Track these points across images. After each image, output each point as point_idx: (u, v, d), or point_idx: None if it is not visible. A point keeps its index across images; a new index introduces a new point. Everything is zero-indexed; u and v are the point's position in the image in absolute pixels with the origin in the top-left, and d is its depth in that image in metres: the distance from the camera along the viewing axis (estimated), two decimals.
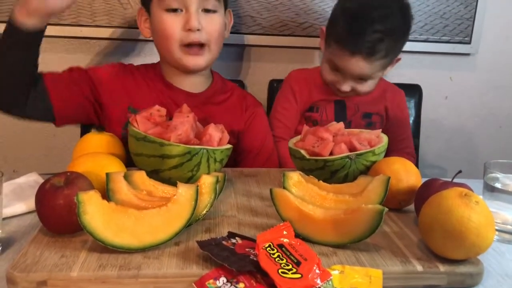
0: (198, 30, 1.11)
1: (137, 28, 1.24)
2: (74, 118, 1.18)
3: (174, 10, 1.11)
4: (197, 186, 0.72)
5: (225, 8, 1.21)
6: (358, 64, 1.23)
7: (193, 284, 0.61)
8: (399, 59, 1.33)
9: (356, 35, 1.20)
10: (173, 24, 1.11)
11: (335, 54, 1.26)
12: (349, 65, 1.24)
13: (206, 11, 1.13)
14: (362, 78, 1.28)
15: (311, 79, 1.38)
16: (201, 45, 1.14)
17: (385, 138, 0.96)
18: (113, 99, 1.16)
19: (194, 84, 1.23)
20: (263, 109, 1.35)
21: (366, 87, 1.31)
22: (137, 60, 1.48)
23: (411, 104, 1.52)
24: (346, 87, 1.29)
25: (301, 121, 1.37)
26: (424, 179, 0.85)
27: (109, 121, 1.16)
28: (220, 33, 1.18)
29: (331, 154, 0.90)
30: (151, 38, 1.21)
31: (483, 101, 1.67)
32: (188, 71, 1.19)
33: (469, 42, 1.56)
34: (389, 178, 0.79)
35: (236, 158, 1.27)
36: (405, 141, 1.42)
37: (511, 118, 1.69)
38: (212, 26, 1.14)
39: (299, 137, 0.99)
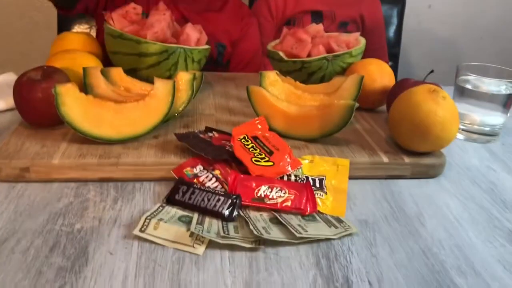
0: None
1: None
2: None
3: None
4: (174, 81, 0.73)
5: None
6: None
7: (171, 171, 0.64)
8: None
9: None
10: None
11: None
12: None
13: None
14: None
15: None
16: None
17: (362, 41, 0.96)
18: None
19: None
20: (256, 19, 1.34)
21: None
22: None
23: (394, 12, 1.50)
24: None
25: (276, 36, 1.37)
26: None
27: None
28: None
29: (309, 55, 0.91)
30: None
31: (466, 10, 1.66)
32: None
33: None
34: (362, 77, 0.81)
35: (229, 69, 1.28)
36: (380, 50, 1.44)
37: (492, 28, 1.69)
38: None
39: (278, 40, 0.99)
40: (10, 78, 0.93)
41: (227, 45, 1.24)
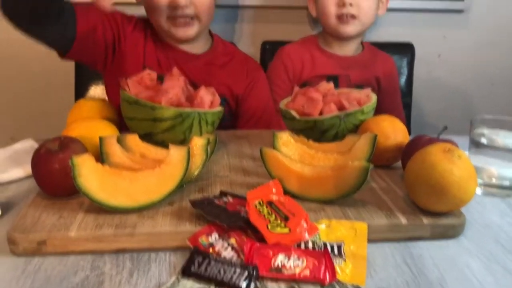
0: (185, 6, 1.12)
1: None
2: (84, 55, 1.14)
3: None
4: (189, 147, 0.74)
5: None
6: None
7: (186, 240, 0.63)
8: None
9: None
10: (159, 0, 1.12)
11: None
12: None
13: None
14: None
15: (303, 54, 1.39)
16: (190, 17, 1.15)
17: (374, 97, 0.97)
18: (131, 54, 1.17)
19: (194, 46, 1.24)
20: (264, 73, 1.36)
21: (366, 1, 1.32)
22: None
23: (404, 63, 1.52)
24: None
25: None
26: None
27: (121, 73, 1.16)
28: (210, 4, 1.18)
29: (321, 114, 0.92)
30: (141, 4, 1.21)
31: (476, 58, 1.67)
32: (179, 42, 1.20)
33: None
34: (376, 136, 0.81)
35: (236, 124, 1.29)
36: (395, 110, 1.44)
37: (503, 75, 1.69)
38: (201, 1, 1.14)
39: (289, 98, 1.00)
40: (28, 144, 0.96)
41: (229, 99, 1.26)
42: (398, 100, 1.48)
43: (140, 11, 1.20)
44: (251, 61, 1.35)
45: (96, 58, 1.16)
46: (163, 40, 1.22)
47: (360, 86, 1.36)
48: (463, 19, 1.62)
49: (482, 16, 1.62)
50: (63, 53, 1.09)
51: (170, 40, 1.22)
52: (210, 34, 1.30)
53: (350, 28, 1.33)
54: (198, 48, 1.25)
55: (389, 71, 1.44)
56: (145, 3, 1.16)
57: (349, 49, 1.40)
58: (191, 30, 1.17)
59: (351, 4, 1.30)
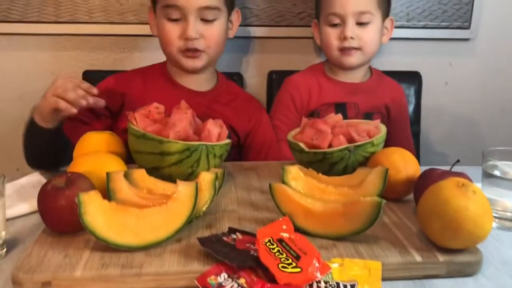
0: (196, 38, 1.16)
1: (134, 23, 1.26)
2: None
3: (175, 20, 1.16)
4: (197, 183, 0.73)
5: (231, 9, 1.26)
6: None
7: (195, 280, 0.61)
8: (392, 20, 1.37)
9: None
10: (171, 32, 1.17)
11: (329, 2, 1.29)
12: (344, 3, 1.26)
13: (206, 20, 1.17)
14: (361, 22, 1.27)
15: (310, 83, 1.37)
16: (199, 50, 1.19)
17: (383, 128, 0.96)
18: (135, 102, 1.18)
19: (199, 83, 1.26)
20: (266, 113, 1.37)
21: (368, 33, 1.29)
22: (134, 55, 1.49)
23: (411, 91, 1.52)
24: (348, 31, 1.27)
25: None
26: (424, 167, 0.86)
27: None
28: (219, 39, 1.22)
29: (330, 146, 0.91)
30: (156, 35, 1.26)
31: (484, 85, 1.66)
32: (188, 72, 1.23)
33: (468, 27, 1.55)
34: (387, 170, 0.80)
35: (241, 158, 1.30)
36: (405, 140, 1.42)
37: None
38: (210, 35, 1.19)
39: (298, 129, 1.00)
40: (34, 178, 0.95)
41: (233, 135, 1.26)
42: (408, 128, 1.45)
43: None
44: (254, 101, 1.37)
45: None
46: (168, 79, 1.26)
47: (369, 113, 1.35)
48: (470, 46, 1.62)
49: (488, 43, 1.62)
50: None
51: (177, 76, 1.26)
52: (216, 72, 1.32)
53: (353, 60, 1.31)
54: (203, 84, 1.27)
55: (399, 98, 1.42)
56: (160, 37, 1.22)
57: (356, 76, 1.38)
58: (199, 62, 1.20)
59: (352, 38, 1.28)
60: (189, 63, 1.20)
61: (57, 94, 0.96)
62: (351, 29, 1.27)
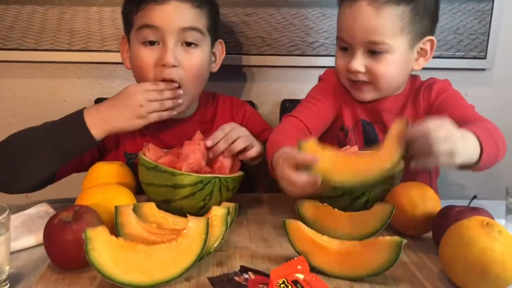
0: (173, 66, 1.01)
1: None
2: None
3: (151, 43, 1.03)
4: (208, 218, 0.70)
5: (215, 40, 1.13)
6: (362, 14, 0.98)
7: None
8: (433, 41, 1.06)
9: None
10: (148, 58, 1.03)
11: (339, 20, 1.06)
12: (351, 22, 1.00)
13: (187, 44, 1.04)
14: (373, 51, 1.00)
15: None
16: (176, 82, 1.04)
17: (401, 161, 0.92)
18: (107, 149, 1.12)
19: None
20: (250, 106, 1.30)
21: (382, 65, 1.00)
22: None
23: None
24: (355, 63, 1.01)
25: (326, 133, 1.13)
26: (442, 201, 0.82)
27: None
28: (200, 70, 1.07)
29: None
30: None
31: (501, 116, 1.61)
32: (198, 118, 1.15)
33: (484, 57, 1.53)
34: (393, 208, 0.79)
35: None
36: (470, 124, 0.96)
37: None
38: (190, 63, 1.04)
39: None
40: (42, 209, 0.93)
41: None
42: (466, 110, 1.06)
43: None
44: (235, 101, 1.28)
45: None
46: None
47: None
48: (486, 76, 1.59)
49: (505, 73, 1.58)
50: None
51: None
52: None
53: (364, 95, 1.07)
54: (188, 110, 1.14)
55: (439, 95, 1.09)
56: (134, 67, 1.09)
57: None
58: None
59: (360, 71, 1.02)
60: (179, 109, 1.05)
61: (154, 110, 0.98)
62: (359, 60, 1.01)
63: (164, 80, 1.02)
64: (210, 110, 1.21)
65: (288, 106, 1.49)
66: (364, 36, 0.99)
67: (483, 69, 1.56)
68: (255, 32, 1.44)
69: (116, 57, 1.43)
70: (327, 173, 0.78)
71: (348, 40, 1.02)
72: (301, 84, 1.52)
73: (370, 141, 1.11)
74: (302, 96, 1.49)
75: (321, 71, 1.51)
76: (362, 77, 1.03)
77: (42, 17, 1.39)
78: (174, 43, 1.02)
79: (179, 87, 1.02)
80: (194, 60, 1.05)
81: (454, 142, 0.74)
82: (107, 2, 1.39)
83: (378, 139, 1.11)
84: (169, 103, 1.00)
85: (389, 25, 0.98)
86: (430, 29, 1.05)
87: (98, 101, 1.41)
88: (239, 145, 0.91)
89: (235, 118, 1.22)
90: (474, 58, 1.52)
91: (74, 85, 1.47)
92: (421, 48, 1.05)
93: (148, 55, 1.03)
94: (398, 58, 1.01)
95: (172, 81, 1.02)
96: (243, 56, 1.44)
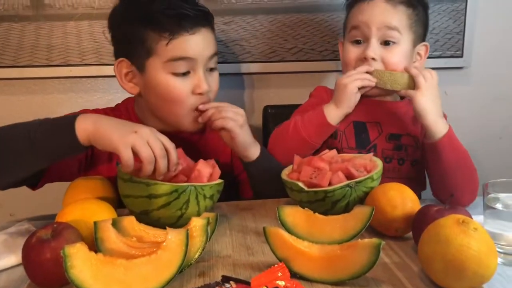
0: (208, 91, 1.05)
1: None
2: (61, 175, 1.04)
3: (184, 73, 1.03)
4: (187, 230, 0.70)
5: None
6: (379, 8, 1.11)
7: None
8: (427, 46, 1.20)
9: None
10: (184, 89, 1.02)
11: (355, 15, 1.14)
12: (369, 14, 1.11)
13: (210, 69, 1.08)
14: (387, 41, 1.11)
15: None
16: None
17: (379, 162, 0.94)
18: (98, 160, 1.09)
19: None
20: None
21: (394, 54, 1.11)
22: (127, 95, 1.48)
23: None
24: (370, 50, 1.10)
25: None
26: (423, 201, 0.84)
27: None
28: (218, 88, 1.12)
29: (329, 184, 0.88)
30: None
31: (481, 113, 1.65)
32: (186, 132, 1.11)
33: (461, 56, 1.55)
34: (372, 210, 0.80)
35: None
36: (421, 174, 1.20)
37: (510, 129, 1.66)
38: (215, 85, 1.09)
39: (290, 167, 0.97)
40: (23, 228, 0.92)
41: (220, 160, 1.11)
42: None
43: None
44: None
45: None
46: (138, 121, 1.12)
47: (395, 135, 1.18)
48: (464, 75, 1.61)
49: (482, 71, 1.61)
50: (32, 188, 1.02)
51: (147, 119, 1.12)
52: None
53: (373, 89, 1.12)
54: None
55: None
56: (163, 97, 1.04)
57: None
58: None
59: (374, 59, 1.10)
60: (196, 125, 1.07)
61: (138, 152, 0.81)
62: (373, 48, 1.10)
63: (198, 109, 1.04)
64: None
65: (270, 112, 1.50)
66: (382, 23, 1.11)
67: (461, 68, 1.59)
68: (233, 40, 1.45)
69: (96, 70, 1.43)
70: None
71: (365, 30, 1.12)
72: (282, 90, 1.54)
73: (361, 140, 1.18)
74: (283, 102, 1.51)
75: (301, 76, 1.53)
76: (375, 66, 1.11)
77: (19, 33, 1.39)
78: (204, 71, 1.04)
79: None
80: (216, 81, 1.10)
81: (436, 101, 1.07)
82: (84, 16, 1.40)
83: (369, 138, 1.18)
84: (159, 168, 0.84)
85: (402, 19, 1.12)
86: (424, 36, 1.20)
87: None
88: (223, 123, 1.00)
89: None
90: (451, 57, 1.55)
91: (55, 101, 1.46)
92: (417, 53, 1.19)
93: (184, 86, 1.03)
94: (405, 53, 1.13)
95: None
96: (223, 64, 1.44)
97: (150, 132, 0.84)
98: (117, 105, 1.20)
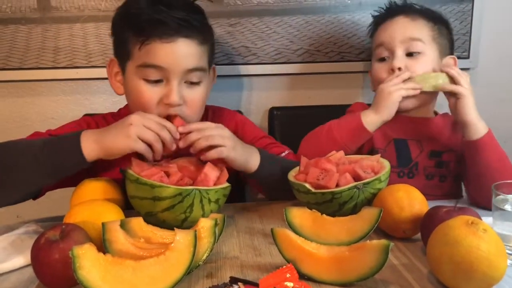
0: (179, 105, 0.98)
1: None
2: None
3: (155, 81, 0.98)
4: (195, 231, 0.70)
5: (210, 67, 1.10)
6: (402, 24, 1.17)
7: None
8: (455, 59, 1.22)
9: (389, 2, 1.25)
10: (152, 96, 0.98)
11: (379, 35, 1.21)
12: (391, 30, 1.17)
13: (190, 83, 1.01)
14: (411, 52, 1.14)
15: None
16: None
17: (386, 163, 0.94)
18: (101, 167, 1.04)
19: None
20: (240, 115, 1.30)
21: (420, 64, 1.13)
22: None
23: None
24: (396, 61, 1.13)
25: None
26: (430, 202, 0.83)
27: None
28: (202, 104, 1.06)
29: (337, 185, 0.88)
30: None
31: (486, 115, 1.63)
32: None
33: (467, 57, 1.55)
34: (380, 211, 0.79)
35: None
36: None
37: None
38: (194, 100, 1.02)
39: (297, 168, 0.97)
40: (31, 229, 0.92)
41: None
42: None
43: None
44: (225, 111, 1.26)
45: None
46: None
47: (436, 152, 1.19)
48: (470, 76, 1.60)
49: (489, 72, 1.60)
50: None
51: None
52: None
53: (406, 103, 1.11)
54: None
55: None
56: (132, 100, 1.03)
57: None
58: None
59: (400, 69, 1.12)
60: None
61: (145, 139, 0.86)
62: (399, 59, 1.13)
63: (168, 117, 0.97)
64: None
65: (276, 114, 1.50)
66: (404, 36, 1.15)
67: (467, 69, 1.58)
68: (239, 42, 1.45)
69: (102, 72, 1.43)
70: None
71: (389, 44, 1.16)
72: (288, 91, 1.53)
73: (402, 157, 1.18)
74: (289, 103, 1.50)
75: (306, 77, 1.53)
76: (403, 75, 1.11)
77: (26, 36, 1.39)
78: (178, 83, 0.98)
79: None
80: (197, 97, 1.03)
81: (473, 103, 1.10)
82: (91, 18, 1.40)
83: (411, 156, 1.18)
84: (166, 139, 0.89)
85: (423, 30, 1.16)
86: (451, 49, 1.24)
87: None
88: (205, 142, 0.90)
89: (228, 127, 1.17)
90: (458, 58, 1.53)
91: (61, 103, 1.47)
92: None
93: (152, 93, 0.98)
94: (432, 63, 1.15)
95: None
96: (229, 66, 1.45)
97: (140, 117, 0.89)
98: (120, 109, 1.20)
